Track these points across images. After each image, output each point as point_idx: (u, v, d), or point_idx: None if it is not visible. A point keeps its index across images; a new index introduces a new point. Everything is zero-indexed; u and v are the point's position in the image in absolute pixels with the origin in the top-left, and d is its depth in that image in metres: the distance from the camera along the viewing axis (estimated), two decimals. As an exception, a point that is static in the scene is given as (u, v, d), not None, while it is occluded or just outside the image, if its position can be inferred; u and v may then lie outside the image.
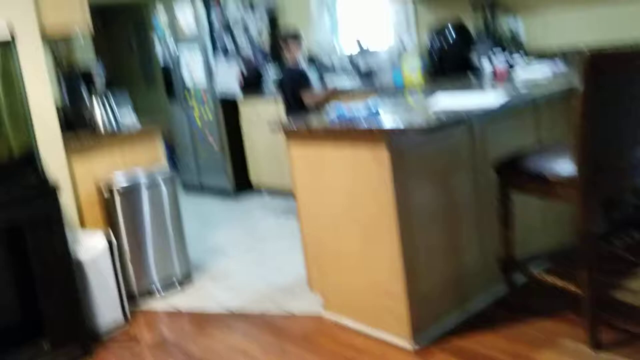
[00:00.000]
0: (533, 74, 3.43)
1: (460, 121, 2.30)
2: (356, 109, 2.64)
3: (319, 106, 4.61)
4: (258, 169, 5.55)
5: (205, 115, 5.65)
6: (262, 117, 5.31)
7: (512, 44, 3.94)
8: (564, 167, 2.35)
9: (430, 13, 4.53)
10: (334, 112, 2.64)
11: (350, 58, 5.01)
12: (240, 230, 4.63)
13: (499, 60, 3.61)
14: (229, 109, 5.58)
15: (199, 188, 6.07)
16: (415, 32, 4.66)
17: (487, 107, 2.42)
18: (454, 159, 2.66)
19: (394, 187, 2.39)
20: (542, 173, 2.41)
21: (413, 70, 4.28)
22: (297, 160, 2.81)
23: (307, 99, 4.48)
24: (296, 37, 4.55)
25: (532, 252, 2.85)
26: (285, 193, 5.32)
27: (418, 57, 4.32)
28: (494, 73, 3.64)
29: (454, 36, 4.11)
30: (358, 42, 5.10)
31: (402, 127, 2.25)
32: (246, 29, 5.63)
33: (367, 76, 5.03)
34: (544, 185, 2.40)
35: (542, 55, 3.88)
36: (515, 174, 2.54)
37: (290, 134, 2.79)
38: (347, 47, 5.37)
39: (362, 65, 5.04)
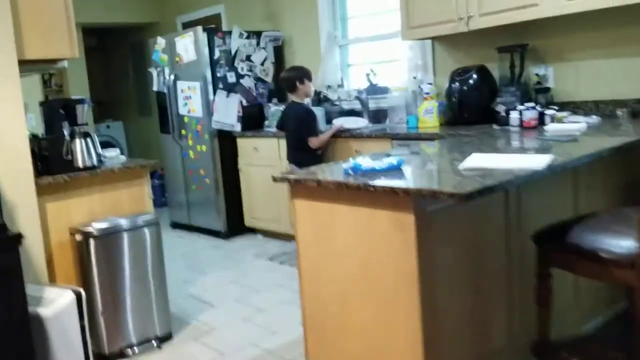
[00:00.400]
0: (566, 126, 3.08)
1: (507, 184, 1.92)
2: (375, 161, 2.26)
3: (324, 146, 4.25)
4: (253, 209, 5.15)
5: (199, 148, 5.27)
6: (261, 154, 4.94)
7: (540, 94, 3.60)
8: (622, 243, 1.97)
9: (451, 55, 4.20)
10: (349, 163, 2.26)
11: (359, 95, 4.66)
12: (229, 277, 4.20)
13: (528, 110, 3.25)
14: (226, 143, 5.20)
15: (188, 225, 5.64)
16: (432, 73, 4.33)
17: (531, 168, 2.04)
18: (485, 225, 2.27)
19: (418, 257, 1.99)
20: (594, 250, 2.02)
21: (429, 113, 3.93)
22: (303, 216, 2.41)
23: (313, 143, 4.13)
24: (310, 76, 4.23)
25: (564, 331, 2.46)
26: (282, 236, 4.91)
27: (435, 100, 3.98)
28: (522, 123, 3.28)
29: (476, 81, 3.76)
30: (368, 77, 4.76)
31: (435, 189, 1.86)
32: (249, 60, 5.29)
33: (376, 116, 4.68)
34: (597, 264, 2.01)
35: (574, 107, 3.54)
36: (559, 248, 2.15)
37: (296, 186, 2.40)
38: (356, 83, 5.04)
39: (372, 104, 4.69)
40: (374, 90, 4.73)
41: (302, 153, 4.17)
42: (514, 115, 3.30)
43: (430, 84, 4.06)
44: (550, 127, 3.10)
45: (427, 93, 3.96)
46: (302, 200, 2.40)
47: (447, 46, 4.22)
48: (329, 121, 4.80)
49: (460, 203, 1.88)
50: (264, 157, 4.90)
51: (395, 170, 2.24)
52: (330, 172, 2.40)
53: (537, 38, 3.67)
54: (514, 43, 3.66)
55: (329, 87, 5.03)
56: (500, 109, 3.54)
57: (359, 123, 4.34)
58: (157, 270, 3.10)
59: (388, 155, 2.70)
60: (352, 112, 4.85)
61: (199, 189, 5.37)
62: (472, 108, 3.77)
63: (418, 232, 1.98)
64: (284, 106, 4.81)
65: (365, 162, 2.24)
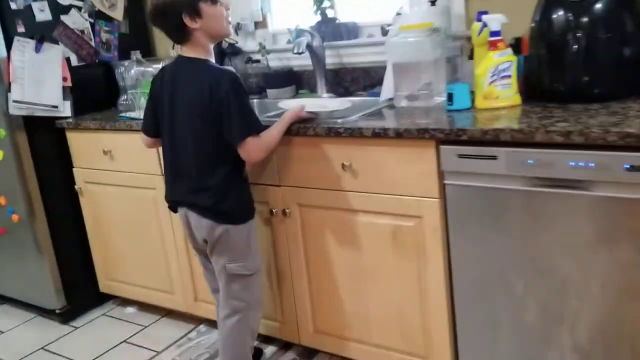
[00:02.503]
0: None
1: None
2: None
3: (270, 153, 2.00)
4: (114, 264, 2.78)
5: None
6: (119, 162, 2.55)
7: None
8: None
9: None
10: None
11: (310, 43, 2.42)
12: None
13: None
14: (45, 142, 2.71)
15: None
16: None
17: None
18: None
19: None
20: None
21: (504, 78, 1.84)
22: None
23: (254, 151, 1.84)
24: None
25: None
26: (175, 316, 2.66)
27: (509, 51, 1.87)
28: None
29: (616, 9, 1.73)
30: (319, 6, 2.54)
31: None
32: (76, -21, 2.77)
33: (341, 83, 2.51)
34: None
35: None
36: None
37: None
38: (290, 22, 2.75)
39: (332, 59, 2.50)
40: (334, 31, 2.52)
41: (217, 179, 1.86)
42: None
43: (484, 12, 1.94)
44: None
45: (496, 33, 1.85)
46: None
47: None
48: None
49: None
50: (127, 168, 2.53)
51: None
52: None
53: None
54: None
55: (239, 27, 2.72)
56: None
57: (336, 103, 2.12)
58: None
59: None
60: (288, 77, 2.61)
61: (1, 231, 2.85)
62: (609, 69, 1.74)
63: None
64: (158, 65, 2.44)
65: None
